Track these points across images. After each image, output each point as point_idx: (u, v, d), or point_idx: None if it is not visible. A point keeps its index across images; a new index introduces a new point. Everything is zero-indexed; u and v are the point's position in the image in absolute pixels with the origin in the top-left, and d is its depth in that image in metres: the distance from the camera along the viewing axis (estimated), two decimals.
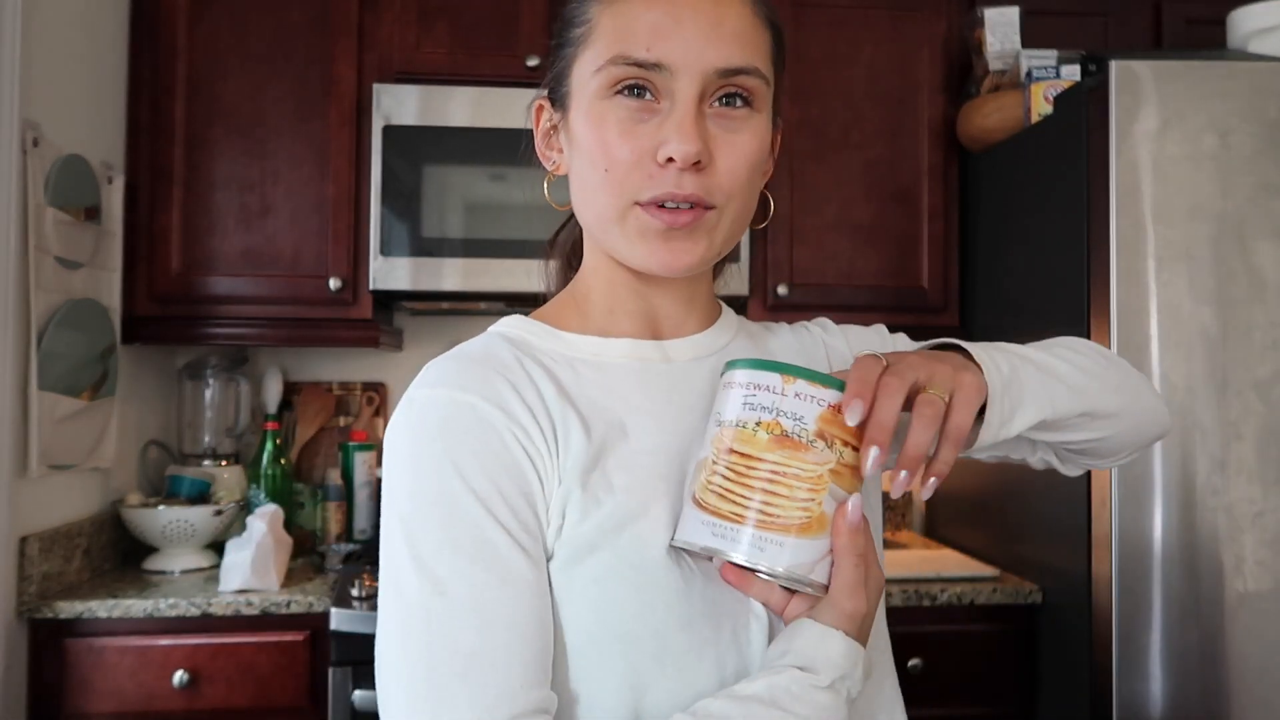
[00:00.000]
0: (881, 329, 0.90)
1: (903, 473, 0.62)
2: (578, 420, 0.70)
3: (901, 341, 0.89)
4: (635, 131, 0.68)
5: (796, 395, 0.64)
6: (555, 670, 0.66)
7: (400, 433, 0.68)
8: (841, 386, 0.64)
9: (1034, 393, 0.73)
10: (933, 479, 0.64)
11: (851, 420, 0.62)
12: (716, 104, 0.69)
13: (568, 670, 0.66)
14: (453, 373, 0.70)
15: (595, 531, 0.66)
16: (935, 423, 0.63)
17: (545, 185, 0.79)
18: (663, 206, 0.68)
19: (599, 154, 0.69)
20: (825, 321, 0.89)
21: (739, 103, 0.70)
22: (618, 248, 0.72)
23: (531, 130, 0.80)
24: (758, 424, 0.64)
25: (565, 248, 0.87)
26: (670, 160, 0.67)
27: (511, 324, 0.77)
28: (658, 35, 0.67)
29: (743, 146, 0.70)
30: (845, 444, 0.64)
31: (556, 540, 0.67)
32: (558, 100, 0.75)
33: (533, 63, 2.18)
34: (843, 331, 0.88)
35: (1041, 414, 0.74)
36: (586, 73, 0.70)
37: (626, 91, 0.68)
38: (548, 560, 0.67)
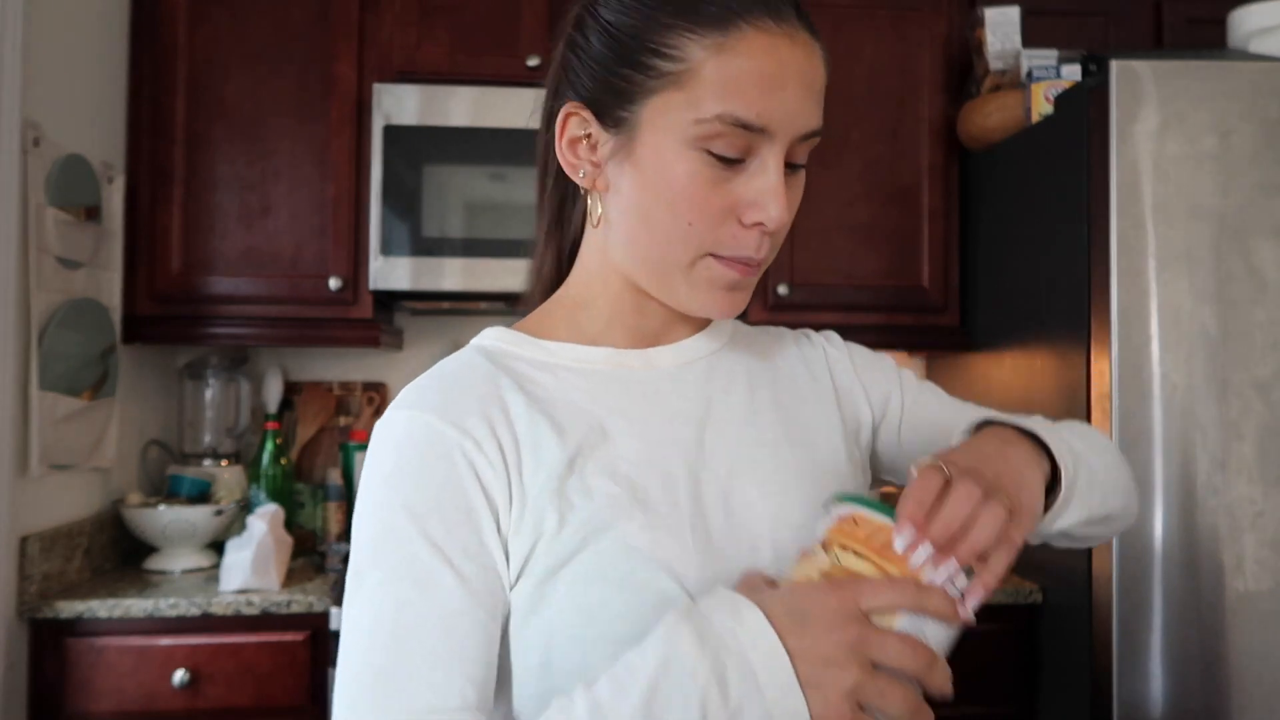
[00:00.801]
0: (888, 361, 0.89)
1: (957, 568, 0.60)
2: (550, 429, 0.69)
3: (908, 378, 0.88)
4: (723, 187, 0.68)
5: (828, 512, 0.65)
6: (547, 676, 0.66)
7: (369, 452, 0.70)
8: (881, 509, 0.63)
9: (1082, 496, 0.74)
10: (981, 589, 0.61)
11: (898, 546, 0.60)
12: (786, 168, 0.69)
13: (557, 674, 0.65)
14: (419, 392, 0.71)
15: (575, 536, 0.66)
16: (998, 525, 0.61)
17: (590, 202, 0.75)
18: (735, 257, 0.69)
19: (684, 204, 0.68)
20: (832, 335, 0.88)
21: (799, 168, 0.71)
22: (676, 292, 0.72)
23: (543, 132, 0.78)
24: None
25: (560, 242, 0.83)
26: (757, 224, 0.68)
27: (492, 335, 0.77)
28: (765, 95, 0.66)
29: (796, 200, 0.71)
30: (844, 548, 0.62)
31: (533, 553, 0.66)
32: (611, 120, 0.70)
33: (533, 63, 2.18)
34: (848, 350, 0.87)
35: (1081, 516, 0.75)
36: (681, 116, 0.67)
37: (718, 159, 0.67)
38: (521, 575, 0.66)
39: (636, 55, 0.68)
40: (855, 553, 0.61)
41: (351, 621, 0.65)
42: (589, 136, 0.72)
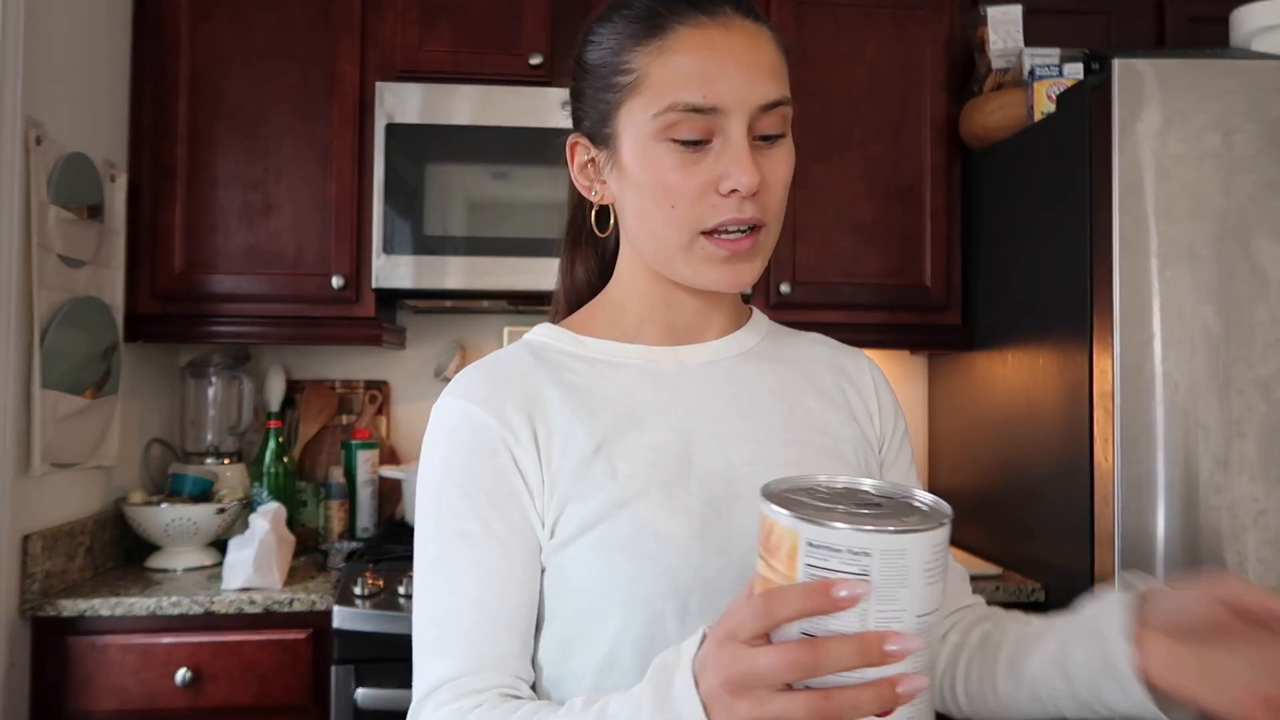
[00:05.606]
0: (911, 452, 0.94)
1: None
2: (581, 418, 0.80)
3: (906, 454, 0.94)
4: (694, 169, 0.76)
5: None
6: (569, 623, 0.78)
7: (427, 433, 0.83)
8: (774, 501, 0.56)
9: None
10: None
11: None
12: (758, 140, 0.77)
13: (577, 622, 0.77)
14: (469, 383, 0.82)
15: (596, 511, 0.76)
16: None
17: (591, 215, 0.88)
18: (726, 234, 0.77)
19: (662, 192, 0.77)
20: (889, 389, 0.94)
21: (774, 137, 0.78)
22: (681, 272, 0.81)
23: (567, 162, 0.87)
24: None
25: (590, 260, 0.94)
26: (733, 191, 0.75)
27: (540, 331, 0.88)
28: (707, 81, 0.75)
29: (781, 170, 0.79)
30: (760, 556, 0.57)
31: (558, 522, 0.78)
32: (600, 139, 0.82)
33: (535, 61, 2.17)
34: (899, 418, 0.93)
35: None
36: (641, 116, 0.77)
37: (682, 143, 0.76)
38: (551, 538, 0.78)
39: (607, 79, 0.80)
40: (761, 556, 0.56)
41: (419, 585, 0.79)
42: (592, 160, 0.84)
